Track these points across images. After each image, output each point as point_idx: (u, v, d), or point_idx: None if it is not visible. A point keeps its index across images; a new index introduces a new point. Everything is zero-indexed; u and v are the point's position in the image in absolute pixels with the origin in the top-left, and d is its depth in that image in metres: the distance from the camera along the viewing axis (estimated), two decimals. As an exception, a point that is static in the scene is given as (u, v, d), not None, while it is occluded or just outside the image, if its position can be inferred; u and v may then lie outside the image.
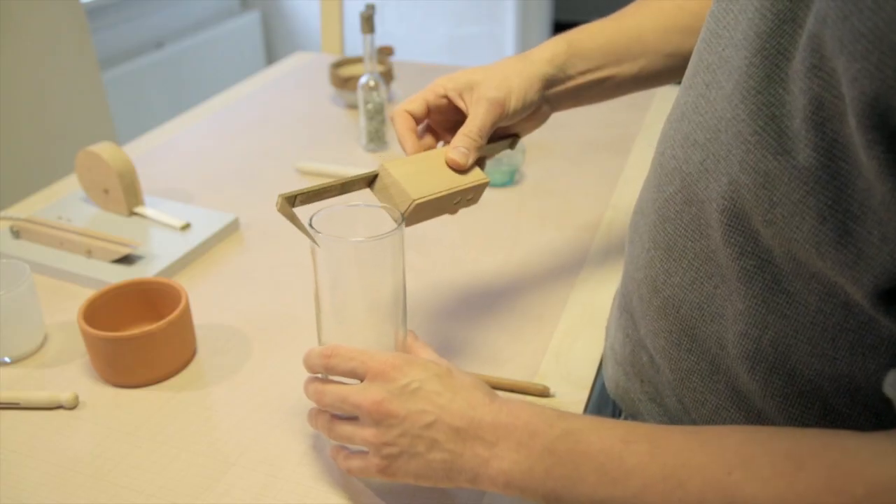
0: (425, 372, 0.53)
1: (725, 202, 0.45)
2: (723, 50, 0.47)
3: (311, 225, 0.56)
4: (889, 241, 0.37)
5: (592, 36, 0.70)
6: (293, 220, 0.56)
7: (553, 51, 0.68)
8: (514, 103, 0.66)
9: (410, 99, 0.68)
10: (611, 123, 1.27)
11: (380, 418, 0.52)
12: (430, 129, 0.71)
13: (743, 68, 0.43)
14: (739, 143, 0.43)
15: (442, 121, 0.70)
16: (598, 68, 0.70)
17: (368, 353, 0.54)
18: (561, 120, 1.29)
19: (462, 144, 0.64)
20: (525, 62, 0.68)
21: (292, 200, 0.56)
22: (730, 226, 0.46)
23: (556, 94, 0.70)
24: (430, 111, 0.68)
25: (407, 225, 0.60)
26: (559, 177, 1.11)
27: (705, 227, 0.49)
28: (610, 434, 0.47)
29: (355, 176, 0.61)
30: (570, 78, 0.70)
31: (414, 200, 0.59)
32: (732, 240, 0.46)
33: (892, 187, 0.35)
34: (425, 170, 0.63)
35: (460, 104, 0.67)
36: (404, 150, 0.67)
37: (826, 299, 0.43)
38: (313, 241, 0.56)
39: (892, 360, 0.42)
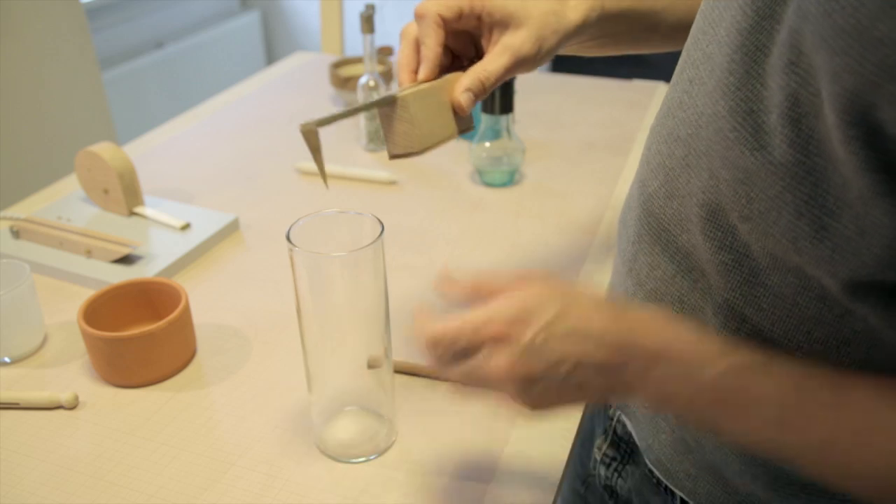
0: (543, 314, 0.46)
1: (705, 196, 0.46)
2: (707, 46, 0.47)
3: (288, 237, 0.56)
4: (867, 235, 0.37)
5: (636, 2, 0.64)
6: (317, 152, 0.53)
7: (587, 12, 0.62)
8: (536, 63, 0.61)
9: (445, 4, 0.59)
10: (611, 123, 1.27)
11: (517, 384, 0.46)
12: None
13: (724, 65, 0.44)
14: (719, 139, 0.44)
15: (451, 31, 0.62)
16: (613, 41, 0.66)
17: (472, 323, 0.47)
18: (561, 120, 1.29)
19: (474, 89, 0.59)
20: (558, 16, 0.60)
21: (319, 125, 0.53)
22: (709, 220, 0.46)
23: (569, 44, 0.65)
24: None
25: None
26: (559, 177, 1.11)
27: (686, 222, 0.49)
28: (791, 373, 0.42)
29: (374, 102, 0.57)
30: (593, 38, 0.65)
31: (418, 150, 0.57)
32: (711, 234, 0.47)
33: (871, 182, 0.35)
34: (436, 109, 0.59)
35: (484, 38, 0.61)
36: (424, 57, 0.60)
37: (802, 293, 0.43)
38: (325, 180, 0.56)
39: (866, 353, 0.43)
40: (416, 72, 0.61)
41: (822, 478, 0.43)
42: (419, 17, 0.59)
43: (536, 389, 0.46)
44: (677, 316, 0.47)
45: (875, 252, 0.37)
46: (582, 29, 0.62)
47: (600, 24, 0.63)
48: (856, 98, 0.34)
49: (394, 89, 0.59)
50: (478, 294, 0.49)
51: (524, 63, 0.59)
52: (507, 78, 0.60)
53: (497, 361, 0.46)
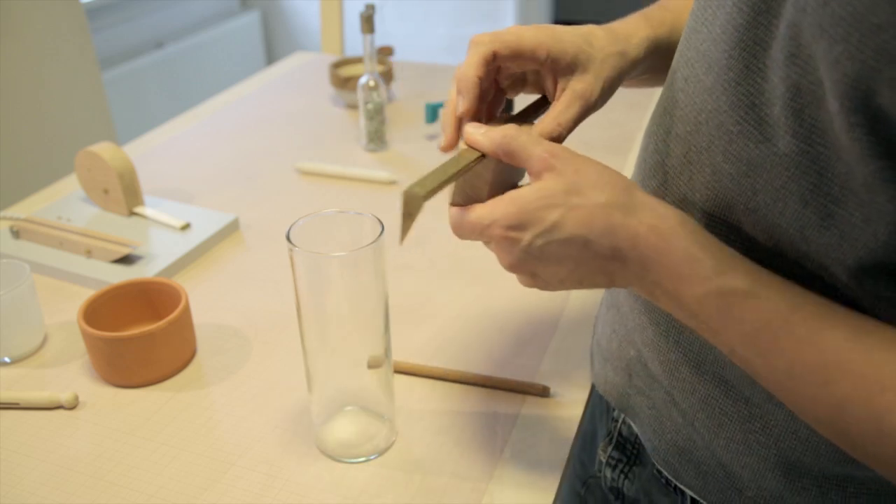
0: (542, 221, 0.47)
1: (709, 192, 0.46)
2: (700, 45, 0.47)
3: (288, 237, 0.56)
4: (872, 222, 0.38)
5: (670, 35, 0.62)
6: (411, 219, 0.50)
7: (647, 48, 0.60)
8: (600, 106, 0.58)
9: (503, 41, 0.54)
10: (611, 123, 1.27)
11: (521, 276, 0.51)
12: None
13: (722, 61, 0.44)
14: (721, 134, 0.44)
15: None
16: (662, 73, 0.63)
17: (478, 224, 0.49)
18: (561, 120, 1.29)
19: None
20: (624, 56, 0.58)
21: (426, 198, 0.49)
22: (713, 216, 0.47)
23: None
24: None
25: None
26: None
27: None
28: (771, 308, 0.43)
29: (463, 168, 0.51)
30: (640, 75, 0.63)
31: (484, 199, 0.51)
32: (714, 229, 0.47)
33: (874, 169, 0.36)
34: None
35: (546, 82, 0.57)
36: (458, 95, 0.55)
37: (808, 284, 0.44)
38: (402, 239, 0.51)
39: None
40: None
41: (788, 406, 0.44)
42: (472, 45, 0.55)
43: (540, 281, 0.50)
44: (685, 220, 0.46)
45: (881, 238, 0.38)
46: (641, 64, 0.60)
47: (653, 60, 0.61)
48: (857, 84, 0.35)
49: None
50: (502, 153, 0.50)
51: (594, 108, 0.57)
52: (576, 127, 0.57)
53: (501, 258, 0.50)
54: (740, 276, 0.44)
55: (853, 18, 0.34)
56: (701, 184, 0.47)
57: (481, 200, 0.51)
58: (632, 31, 0.59)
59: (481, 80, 0.53)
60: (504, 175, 0.51)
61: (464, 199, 0.52)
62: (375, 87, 1.16)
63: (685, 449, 0.56)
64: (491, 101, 0.58)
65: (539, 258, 0.48)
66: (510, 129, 0.50)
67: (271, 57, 3.15)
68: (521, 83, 0.59)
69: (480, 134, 0.50)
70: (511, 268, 0.50)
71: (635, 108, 1.32)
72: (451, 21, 2.81)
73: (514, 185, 0.52)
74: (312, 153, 1.20)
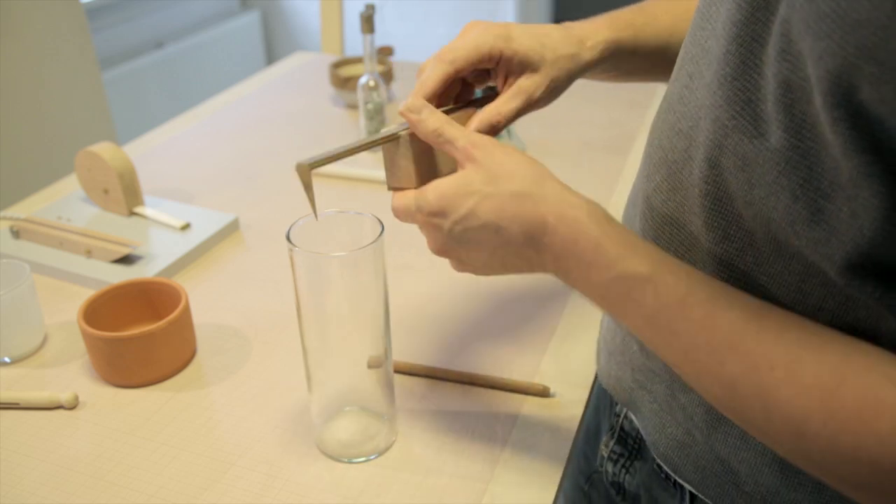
0: (460, 209, 0.52)
1: (708, 186, 0.47)
2: (705, 41, 0.48)
3: (288, 237, 0.56)
4: (858, 217, 0.38)
5: (636, 37, 0.65)
6: (309, 189, 0.55)
7: (603, 51, 0.63)
8: (547, 104, 0.62)
9: (462, 55, 0.59)
10: (611, 123, 1.27)
11: (449, 260, 0.55)
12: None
13: (721, 56, 0.45)
14: (718, 129, 0.45)
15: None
16: (628, 73, 0.68)
17: (405, 209, 0.55)
18: (561, 120, 1.29)
19: (484, 132, 0.59)
20: (575, 59, 0.62)
21: (312, 168, 0.55)
22: (713, 210, 0.47)
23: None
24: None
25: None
26: (559, 176, 1.11)
27: (690, 215, 0.50)
28: (669, 292, 0.46)
29: (375, 140, 0.57)
30: (599, 75, 0.67)
31: (417, 186, 0.56)
32: (715, 224, 0.48)
33: (858, 164, 0.36)
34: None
35: (498, 77, 0.61)
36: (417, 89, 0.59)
37: (806, 280, 0.44)
38: (315, 213, 0.56)
39: (873, 340, 0.43)
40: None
41: (690, 385, 0.47)
42: (437, 57, 0.60)
43: (468, 266, 0.55)
44: (593, 210, 0.50)
45: (867, 234, 0.38)
46: (595, 66, 0.63)
47: (614, 61, 0.64)
48: (839, 80, 0.35)
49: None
50: (432, 139, 0.54)
51: (536, 105, 0.61)
52: (517, 118, 0.62)
53: (428, 242, 0.55)
54: (642, 262, 0.47)
55: (836, 15, 0.34)
56: (700, 178, 0.48)
57: (411, 183, 0.56)
58: (589, 33, 0.63)
59: (441, 92, 0.59)
60: (427, 157, 0.57)
61: (395, 182, 0.57)
62: (375, 87, 1.16)
63: (684, 444, 0.57)
64: (458, 95, 0.63)
65: (459, 242, 0.53)
66: (441, 119, 0.54)
67: (271, 57, 3.15)
68: (486, 75, 0.63)
69: (417, 119, 0.55)
70: (437, 252, 0.55)
71: (635, 107, 1.32)
72: (451, 21, 2.81)
73: (437, 168, 0.58)
74: (312, 153, 1.19)
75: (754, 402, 0.42)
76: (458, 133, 0.53)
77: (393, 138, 0.57)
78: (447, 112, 0.60)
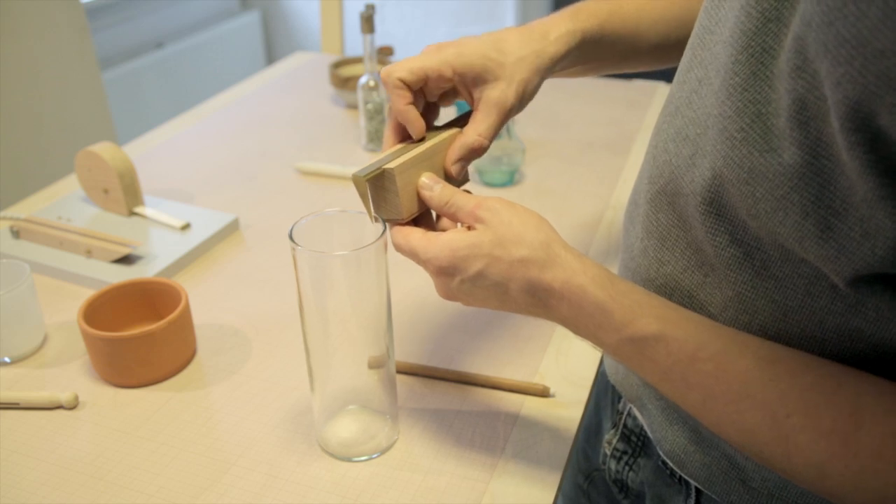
0: (468, 270, 0.53)
1: (709, 195, 0.47)
2: (714, 46, 0.48)
3: (291, 236, 0.56)
4: (870, 237, 0.38)
5: (601, 27, 0.65)
6: (366, 198, 0.56)
7: (568, 42, 0.62)
8: (524, 105, 0.61)
9: (409, 68, 0.58)
10: (610, 123, 1.27)
11: (456, 301, 0.57)
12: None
13: (729, 65, 0.44)
14: (724, 139, 0.44)
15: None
16: (597, 64, 0.68)
17: (417, 258, 0.56)
18: (561, 119, 1.29)
19: (466, 158, 0.60)
20: (540, 55, 0.61)
21: (367, 178, 0.55)
22: (714, 216, 0.47)
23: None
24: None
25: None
26: (559, 176, 1.11)
27: (694, 219, 0.50)
28: (680, 348, 0.47)
29: (369, 173, 0.56)
30: (568, 68, 0.66)
31: (405, 217, 0.58)
32: (721, 228, 0.47)
33: (874, 186, 0.36)
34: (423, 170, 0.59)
35: (464, 94, 0.61)
36: (388, 126, 0.61)
37: (814, 282, 0.44)
38: (371, 219, 0.57)
39: (880, 342, 0.43)
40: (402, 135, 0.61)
41: (710, 429, 0.48)
42: (383, 80, 0.59)
43: (473, 307, 0.57)
44: (597, 274, 0.51)
45: (878, 254, 0.38)
46: (563, 59, 0.63)
47: (582, 52, 0.64)
48: (857, 106, 0.34)
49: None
50: (443, 210, 0.57)
51: (514, 111, 0.61)
52: (498, 132, 0.61)
53: (436, 288, 0.57)
54: (650, 323, 0.48)
55: (857, 41, 0.33)
56: (701, 186, 0.47)
57: (398, 210, 0.57)
58: (551, 27, 0.62)
59: (407, 110, 0.59)
60: (413, 189, 0.58)
61: (384, 213, 0.58)
62: (375, 87, 1.16)
63: (691, 440, 0.57)
64: (424, 112, 0.61)
65: (468, 295, 0.55)
66: (450, 192, 0.57)
67: (271, 57, 3.15)
68: (452, 94, 0.62)
69: (431, 193, 0.57)
70: (445, 297, 0.57)
71: (635, 107, 1.32)
72: (451, 21, 2.81)
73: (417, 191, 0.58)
74: (312, 153, 1.20)
75: (774, 448, 0.44)
76: (465, 201, 0.56)
77: (378, 172, 0.57)
78: (433, 130, 0.61)
